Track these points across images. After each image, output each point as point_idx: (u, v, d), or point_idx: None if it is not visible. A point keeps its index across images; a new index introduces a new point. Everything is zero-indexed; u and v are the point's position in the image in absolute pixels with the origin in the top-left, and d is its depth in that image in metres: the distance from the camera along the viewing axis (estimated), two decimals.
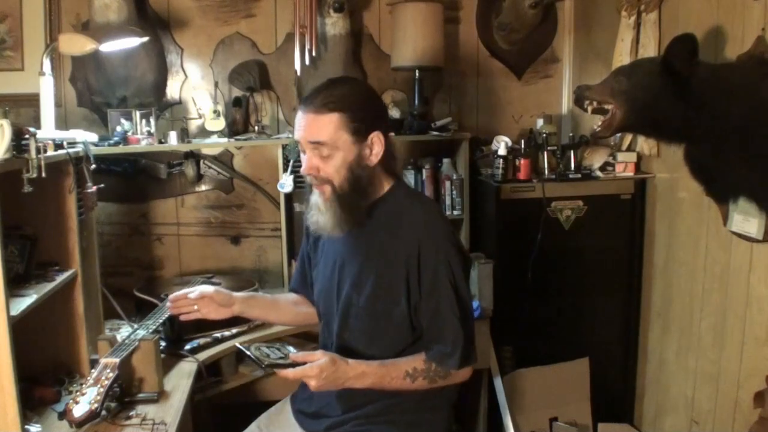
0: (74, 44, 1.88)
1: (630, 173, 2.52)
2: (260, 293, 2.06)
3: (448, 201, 2.62)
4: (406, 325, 1.39)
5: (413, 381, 1.37)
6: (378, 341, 1.42)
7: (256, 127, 2.60)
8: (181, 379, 1.82)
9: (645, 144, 2.45)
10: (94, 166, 1.85)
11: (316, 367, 1.30)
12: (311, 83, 2.51)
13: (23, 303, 1.42)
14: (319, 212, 1.40)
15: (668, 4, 2.26)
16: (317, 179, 1.38)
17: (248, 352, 1.41)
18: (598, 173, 2.56)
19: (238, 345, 1.53)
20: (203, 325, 2.10)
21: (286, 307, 1.69)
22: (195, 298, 1.53)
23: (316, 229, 1.44)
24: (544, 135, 2.61)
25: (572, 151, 2.57)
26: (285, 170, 2.46)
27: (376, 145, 1.36)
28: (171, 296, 1.57)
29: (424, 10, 2.55)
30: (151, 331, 1.77)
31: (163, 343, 1.95)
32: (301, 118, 1.36)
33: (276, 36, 2.72)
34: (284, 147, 2.47)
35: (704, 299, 2.18)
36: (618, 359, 2.66)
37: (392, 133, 1.51)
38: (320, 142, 1.34)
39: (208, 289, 1.55)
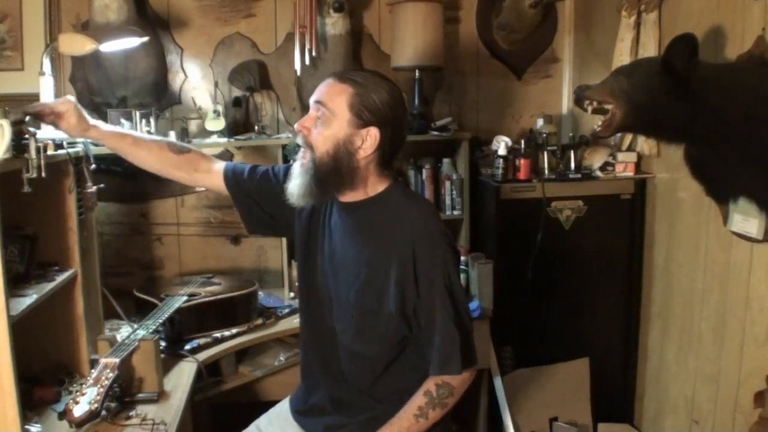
0: (74, 44, 1.88)
1: (630, 173, 2.52)
2: (128, 131, 1.70)
3: (448, 201, 2.61)
4: (393, 325, 1.37)
5: (426, 418, 1.35)
6: (364, 336, 1.41)
7: (256, 127, 2.60)
8: (181, 379, 1.82)
9: (645, 144, 2.45)
10: (94, 166, 1.85)
11: None
12: (311, 83, 2.51)
13: (23, 303, 1.42)
14: (293, 177, 1.39)
15: (668, 4, 2.26)
16: (304, 141, 1.37)
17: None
18: (598, 173, 2.56)
19: None
20: (203, 326, 2.12)
21: (154, 150, 1.57)
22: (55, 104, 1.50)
23: (288, 196, 1.40)
24: (544, 135, 2.61)
25: (572, 151, 2.57)
26: None
27: (369, 139, 1.33)
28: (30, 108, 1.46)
29: (424, 9, 2.55)
30: (151, 331, 1.78)
31: (163, 343, 1.95)
32: (321, 83, 1.37)
33: (276, 36, 2.72)
34: (284, 147, 2.47)
35: (704, 299, 2.18)
36: (618, 359, 2.66)
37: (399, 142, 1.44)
38: (322, 102, 1.34)
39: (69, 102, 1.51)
